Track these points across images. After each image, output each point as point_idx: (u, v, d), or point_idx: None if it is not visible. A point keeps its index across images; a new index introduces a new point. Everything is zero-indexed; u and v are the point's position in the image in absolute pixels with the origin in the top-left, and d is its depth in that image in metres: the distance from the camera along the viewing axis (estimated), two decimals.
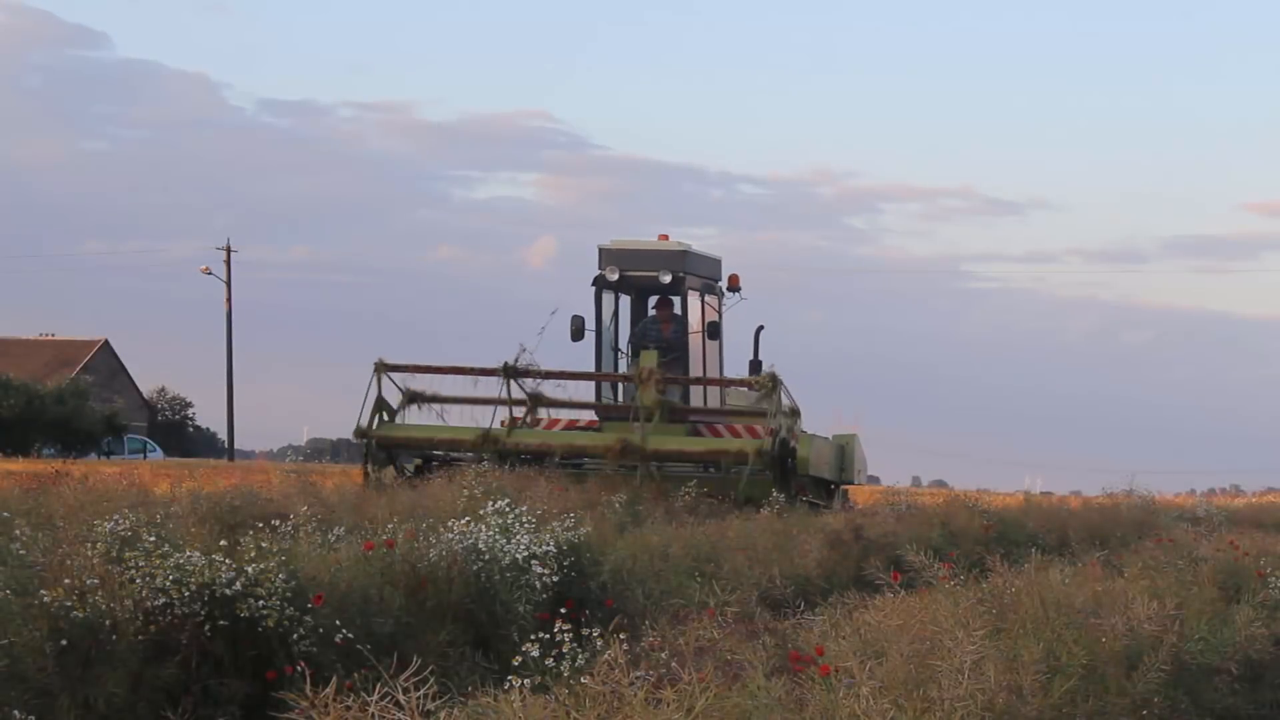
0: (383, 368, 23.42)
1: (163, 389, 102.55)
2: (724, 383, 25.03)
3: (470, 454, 22.61)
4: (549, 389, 24.18)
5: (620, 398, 24.59)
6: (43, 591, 8.96)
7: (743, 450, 22.64)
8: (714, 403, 25.33)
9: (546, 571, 11.62)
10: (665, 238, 25.19)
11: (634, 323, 25.57)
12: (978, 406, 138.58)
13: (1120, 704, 8.70)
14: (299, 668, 7.80)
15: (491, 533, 11.75)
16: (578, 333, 24.67)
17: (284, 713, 6.44)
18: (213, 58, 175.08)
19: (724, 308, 25.72)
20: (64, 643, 8.83)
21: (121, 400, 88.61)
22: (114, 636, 9.02)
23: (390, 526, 12.15)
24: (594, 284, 24.86)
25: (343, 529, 12.82)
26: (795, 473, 23.05)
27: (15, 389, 69.66)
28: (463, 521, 11.89)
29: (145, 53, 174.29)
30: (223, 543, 10.13)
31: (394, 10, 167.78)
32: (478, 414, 23.79)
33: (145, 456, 68.00)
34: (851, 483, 26.36)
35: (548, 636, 8.50)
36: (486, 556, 11.48)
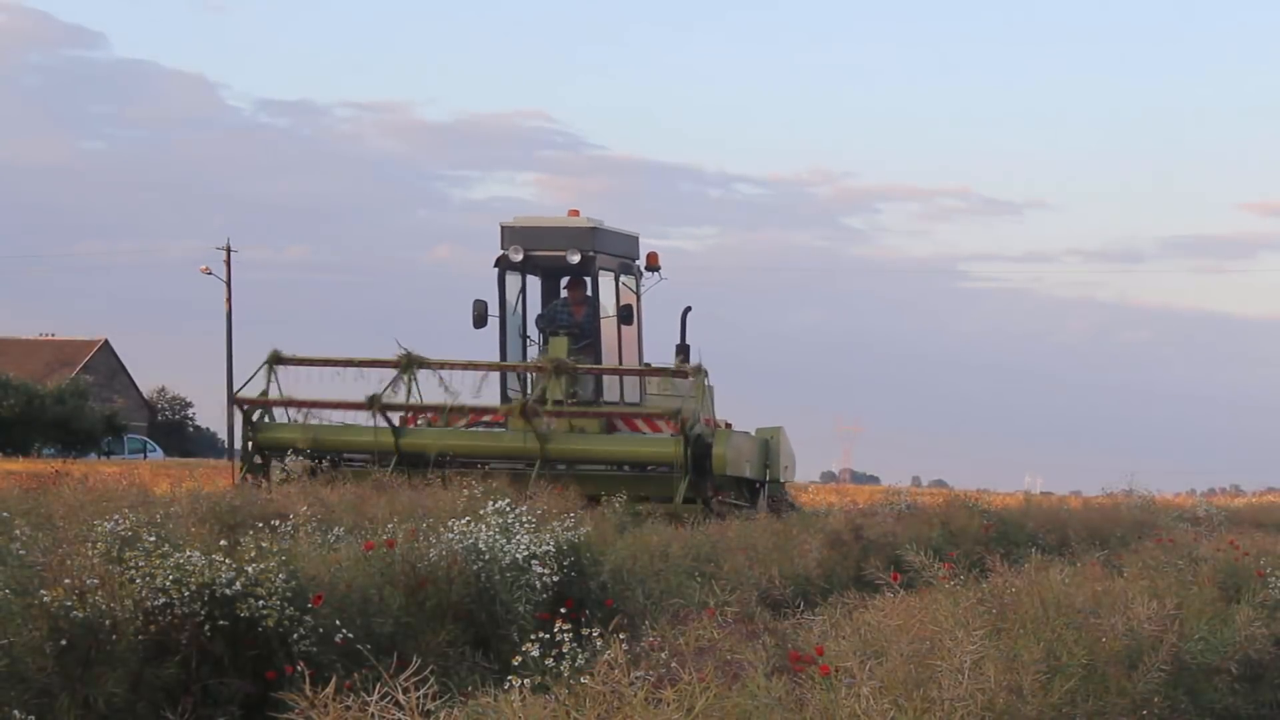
0: (275, 360, 22.03)
1: (163, 389, 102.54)
2: (635, 371, 23.02)
3: (365, 456, 21.32)
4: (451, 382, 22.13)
5: (530, 390, 22.35)
6: (43, 591, 8.96)
7: (664, 452, 21.02)
8: (633, 393, 23.36)
9: (546, 571, 11.62)
10: (576, 213, 23.23)
11: (544, 307, 23.54)
12: (977, 406, 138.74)
13: (1120, 704, 8.70)
14: (299, 668, 7.80)
15: (491, 532, 11.75)
16: (480, 318, 22.82)
17: (284, 713, 6.44)
18: (210, 58, 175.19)
19: (642, 289, 23.71)
20: (64, 643, 8.83)
21: (121, 400, 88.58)
22: (114, 636, 9.01)
23: (390, 526, 12.16)
24: (496, 265, 22.98)
25: (343, 529, 12.83)
26: (712, 472, 21.20)
27: (15, 389, 69.69)
28: (463, 521, 11.90)
29: (142, 53, 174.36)
30: (223, 542, 10.13)
31: (391, 10, 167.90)
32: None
33: (145, 456, 68.08)
34: (779, 481, 24.05)
35: (548, 636, 8.49)
36: (486, 556, 11.48)
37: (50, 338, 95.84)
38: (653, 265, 23.66)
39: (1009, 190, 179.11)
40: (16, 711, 8.19)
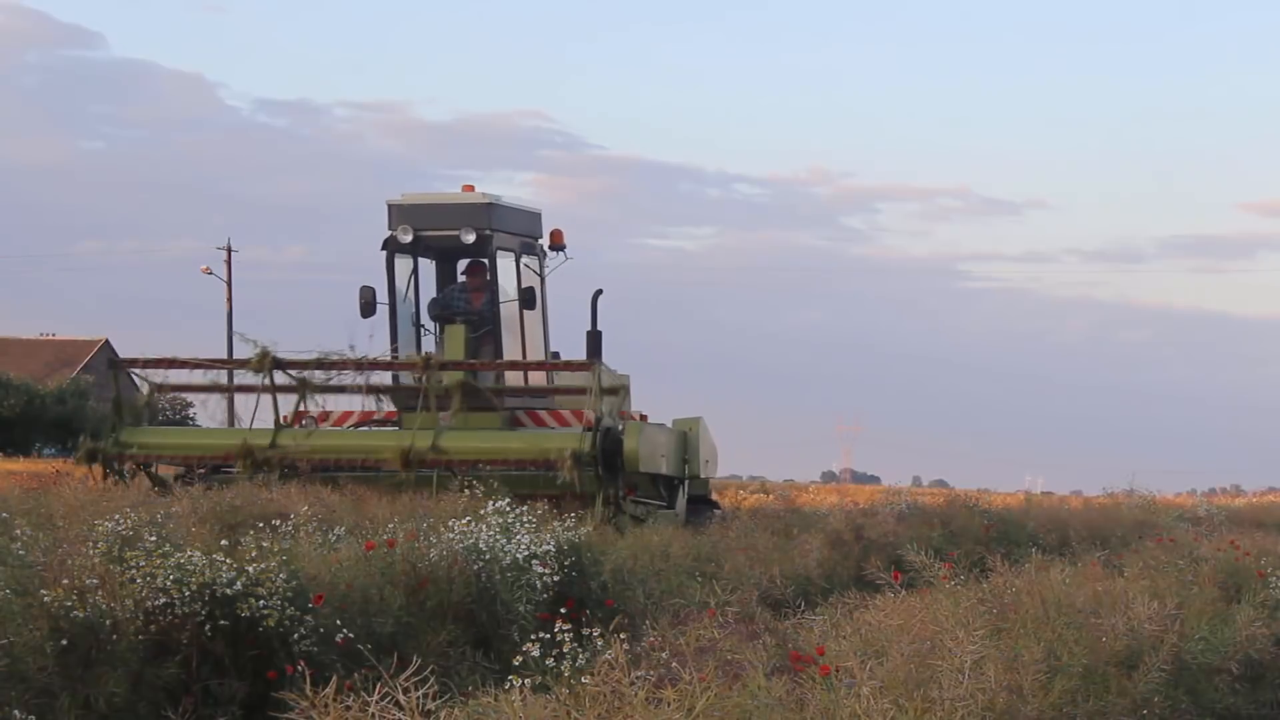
0: (118, 364, 20.57)
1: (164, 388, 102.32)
2: (522, 365, 20.63)
3: (234, 464, 18.95)
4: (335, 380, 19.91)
5: (427, 383, 19.63)
6: (43, 591, 8.96)
7: (560, 450, 18.26)
8: (538, 383, 20.89)
9: (547, 571, 11.63)
10: (470, 188, 20.96)
11: (438, 292, 21.28)
12: (977, 406, 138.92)
13: (1120, 704, 8.70)
14: (299, 668, 7.81)
15: (492, 532, 11.76)
16: (367, 307, 20.56)
17: (284, 713, 6.44)
18: (208, 57, 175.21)
19: (545, 271, 21.37)
20: (64, 642, 8.83)
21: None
22: (114, 636, 9.02)
23: (391, 526, 12.16)
24: (384, 247, 20.67)
25: (343, 529, 12.83)
26: (624, 469, 18.71)
27: (15, 389, 69.68)
28: (463, 521, 11.91)
29: (140, 52, 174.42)
30: (223, 542, 10.15)
31: (390, 10, 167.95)
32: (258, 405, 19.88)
33: None
34: (698, 477, 21.62)
35: (548, 636, 8.50)
36: (487, 556, 11.49)
37: (50, 338, 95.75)
38: (557, 244, 21.48)
39: (1008, 190, 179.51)
40: (17, 711, 8.19)
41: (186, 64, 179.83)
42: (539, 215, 21.71)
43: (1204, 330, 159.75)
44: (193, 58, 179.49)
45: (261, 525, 11.47)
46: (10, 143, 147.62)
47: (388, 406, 20.59)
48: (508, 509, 12.39)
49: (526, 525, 12.15)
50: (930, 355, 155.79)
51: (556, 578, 11.71)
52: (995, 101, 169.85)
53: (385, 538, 11.38)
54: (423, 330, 21.09)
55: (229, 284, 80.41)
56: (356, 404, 20.38)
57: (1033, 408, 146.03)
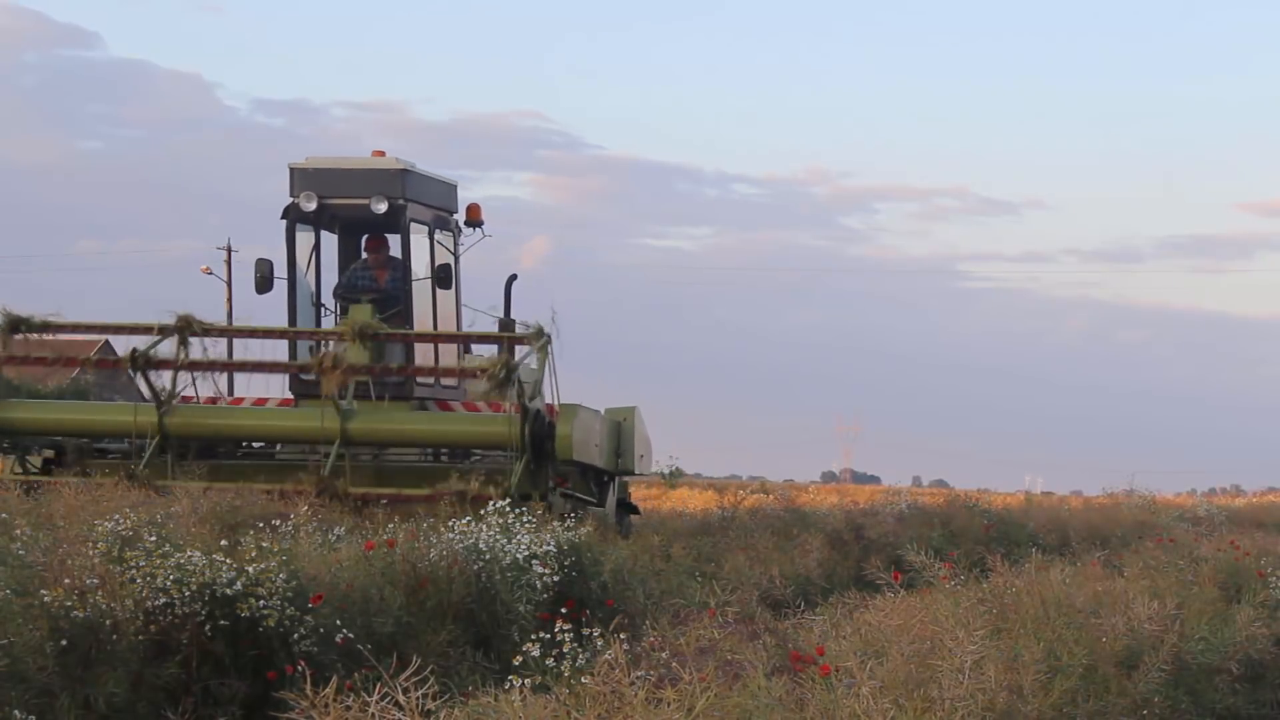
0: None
1: (164, 388, 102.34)
2: (459, 338, 18.90)
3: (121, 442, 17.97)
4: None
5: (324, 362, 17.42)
6: (43, 591, 8.96)
7: (494, 432, 16.63)
8: (450, 364, 18.87)
9: (547, 571, 11.63)
10: (381, 154, 19.04)
11: (342, 267, 19.33)
12: (977, 406, 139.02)
13: (1120, 704, 8.70)
14: (299, 667, 7.81)
15: (492, 532, 11.77)
16: (264, 282, 18.92)
17: (284, 713, 6.44)
18: (206, 57, 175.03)
19: (460, 248, 19.50)
20: (64, 642, 8.83)
21: (122, 400, 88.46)
22: (114, 636, 9.02)
23: (391, 526, 12.17)
24: (284, 216, 18.65)
25: (343, 529, 12.83)
26: (555, 457, 16.67)
27: (15, 389, 69.62)
28: (463, 521, 11.92)
29: (138, 52, 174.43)
30: (223, 542, 10.14)
31: (387, 9, 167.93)
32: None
33: None
34: (631, 473, 19.27)
35: (548, 636, 8.50)
36: (487, 556, 11.49)
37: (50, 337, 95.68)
38: (474, 219, 19.52)
39: (1006, 190, 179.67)
40: (17, 711, 8.19)
41: (184, 64, 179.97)
42: (454, 187, 19.83)
43: (1203, 330, 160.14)
44: (190, 58, 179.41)
45: (261, 525, 11.48)
46: (8, 143, 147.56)
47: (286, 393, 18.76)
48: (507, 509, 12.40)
49: (527, 525, 12.16)
50: (929, 355, 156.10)
51: (556, 578, 11.71)
52: (993, 101, 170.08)
53: (385, 538, 11.39)
54: (323, 310, 19.27)
55: (229, 284, 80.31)
56: (254, 390, 18.86)
57: (1032, 408, 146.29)
